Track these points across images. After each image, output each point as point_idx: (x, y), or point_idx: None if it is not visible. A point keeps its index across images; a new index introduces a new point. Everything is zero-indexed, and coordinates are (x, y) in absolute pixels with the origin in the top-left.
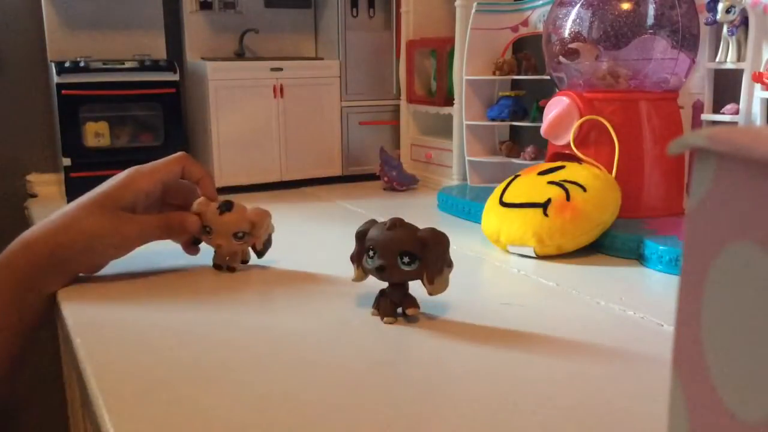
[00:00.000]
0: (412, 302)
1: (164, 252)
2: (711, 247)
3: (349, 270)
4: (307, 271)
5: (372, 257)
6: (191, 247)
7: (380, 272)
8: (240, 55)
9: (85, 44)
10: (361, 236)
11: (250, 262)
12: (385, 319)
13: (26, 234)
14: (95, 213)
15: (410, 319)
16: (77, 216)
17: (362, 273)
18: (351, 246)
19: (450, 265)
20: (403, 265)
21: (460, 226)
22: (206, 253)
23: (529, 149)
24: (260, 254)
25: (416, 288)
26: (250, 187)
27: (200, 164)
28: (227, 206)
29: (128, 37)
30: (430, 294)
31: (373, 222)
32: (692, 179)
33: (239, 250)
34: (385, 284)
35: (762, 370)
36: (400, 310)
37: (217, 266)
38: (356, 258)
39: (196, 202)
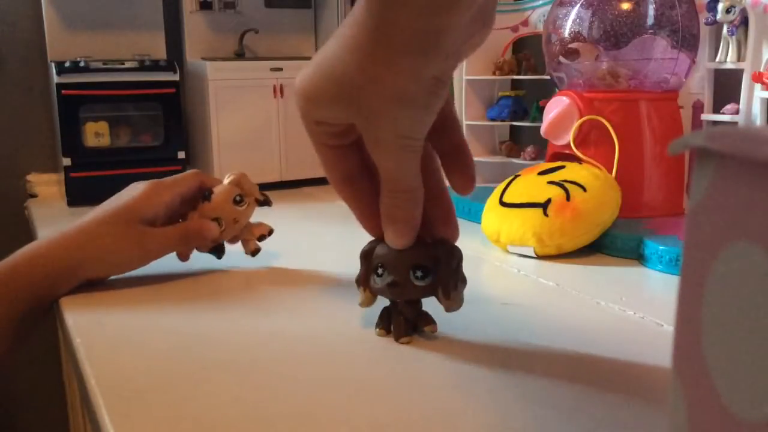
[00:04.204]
0: (429, 319)
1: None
2: (711, 247)
3: (350, 270)
4: (307, 271)
5: (381, 275)
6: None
7: (393, 288)
8: (240, 55)
9: (85, 44)
10: (367, 255)
11: (251, 262)
12: (401, 339)
13: (39, 244)
14: (120, 226)
15: (426, 336)
16: (99, 230)
17: (370, 296)
18: (351, 246)
19: (464, 281)
20: (417, 279)
21: (460, 226)
22: (208, 256)
23: (529, 149)
24: (267, 203)
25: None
26: None
27: (215, 178)
28: (208, 192)
29: (128, 37)
30: (447, 310)
31: (377, 240)
32: (692, 179)
33: (249, 215)
34: (388, 302)
35: (762, 370)
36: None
37: (255, 251)
38: (363, 280)
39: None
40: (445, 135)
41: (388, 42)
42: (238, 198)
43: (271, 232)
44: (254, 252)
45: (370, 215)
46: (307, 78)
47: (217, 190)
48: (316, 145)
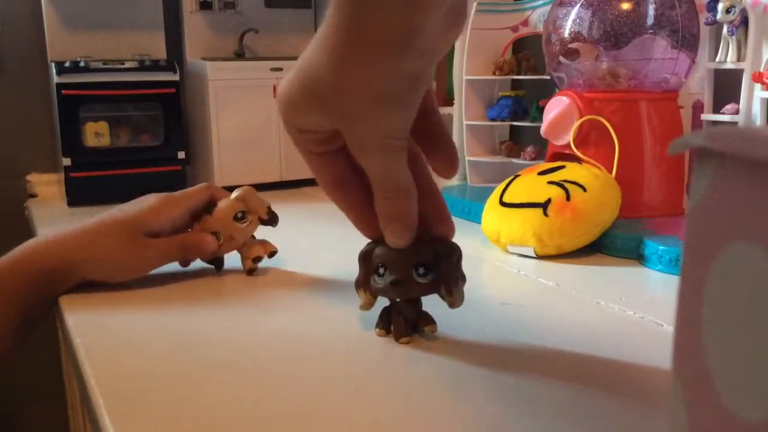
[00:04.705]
0: (429, 319)
1: None
2: (711, 247)
3: (350, 270)
4: (307, 271)
5: (382, 275)
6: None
7: (396, 287)
8: (240, 55)
9: (85, 44)
10: (366, 257)
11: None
12: (401, 339)
13: (38, 241)
14: (123, 234)
15: (426, 336)
16: (101, 234)
17: (371, 297)
18: (351, 246)
19: (463, 278)
20: (419, 277)
21: (460, 226)
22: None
23: (529, 149)
24: (272, 222)
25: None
26: None
27: (226, 192)
28: (212, 205)
29: (128, 37)
30: (451, 306)
31: (375, 242)
32: (692, 179)
33: (249, 233)
34: (387, 302)
35: (762, 370)
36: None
37: (251, 270)
38: (362, 282)
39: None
40: (425, 123)
41: (363, 42)
42: (239, 215)
43: (272, 254)
44: (249, 271)
45: (364, 218)
46: (287, 85)
47: (220, 204)
48: (302, 152)
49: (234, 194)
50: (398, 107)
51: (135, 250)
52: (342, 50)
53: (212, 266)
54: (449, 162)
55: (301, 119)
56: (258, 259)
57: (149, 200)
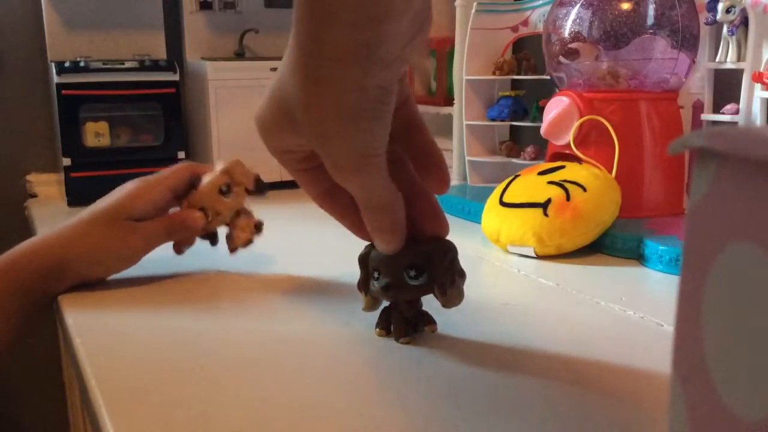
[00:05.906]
0: (429, 319)
1: (165, 254)
2: (711, 247)
3: (349, 270)
4: (306, 272)
5: (377, 278)
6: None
7: (387, 291)
8: (240, 55)
9: (85, 44)
10: (363, 260)
11: (250, 263)
12: (401, 339)
13: (34, 240)
14: (105, 224)
15: (426, 336)
16: (86, 229)
17: (371, 300)
18: (350, 246)
19: (462, 274)
20: (411, 279)
21: (460, 226)
22: (208, 257)
23: (529, 149)
24: (260, 192)
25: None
26: None
27: (207, 166)
28: (197, 181)
29: (128, 37)
30: (445, 306)
31: (372, 245)
32: (692, 179)
33: (236, 207)
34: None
35: (762, 370)
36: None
37: (233, 249)
38: (363, 285)
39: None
40: (411, 139)
41: (325, 59)
42: (224, 188)
43: (258, 226)
44: (232, 250)
45: (356, 223)
46: (262, 107)
47: (205, 178)
48: (287, 169)
49: (218, 166)
50: (369, 123)
51: (120, 236)
52: (306, 69)
53: (211, 265)
54: (440, 180)
55: (278, 141)
56: (249, 242)
57: (127, 187)
